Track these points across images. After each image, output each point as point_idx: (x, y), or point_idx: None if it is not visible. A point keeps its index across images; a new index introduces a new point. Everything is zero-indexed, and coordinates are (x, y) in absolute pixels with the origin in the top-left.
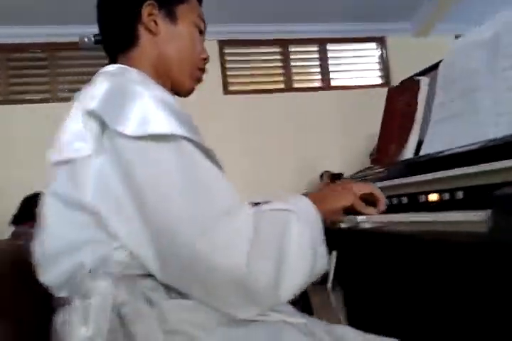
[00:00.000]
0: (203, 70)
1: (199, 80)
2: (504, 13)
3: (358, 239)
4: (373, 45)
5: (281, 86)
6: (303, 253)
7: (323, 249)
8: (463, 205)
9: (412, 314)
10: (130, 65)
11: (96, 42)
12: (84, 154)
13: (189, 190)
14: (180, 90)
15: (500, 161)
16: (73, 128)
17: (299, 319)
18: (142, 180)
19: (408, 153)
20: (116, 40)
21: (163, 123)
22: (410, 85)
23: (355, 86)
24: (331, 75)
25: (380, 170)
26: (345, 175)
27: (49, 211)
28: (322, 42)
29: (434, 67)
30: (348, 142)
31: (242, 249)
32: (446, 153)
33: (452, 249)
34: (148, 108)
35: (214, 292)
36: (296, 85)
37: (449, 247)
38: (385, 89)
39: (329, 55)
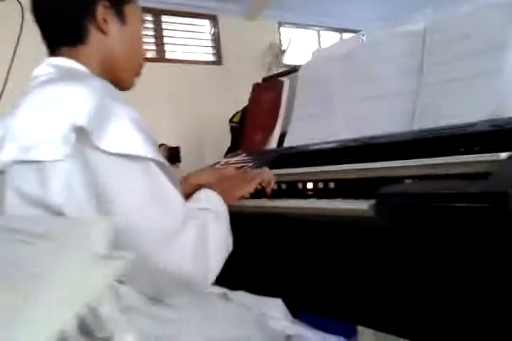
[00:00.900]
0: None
1: (139, 75)
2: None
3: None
4: (206, 22)
5: None
6: (220, 245)
7: (230, 235)
8: (335, 194)
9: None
10: (77, 61)
11: None
12: (55, 158)
13: (150, 204)
14: (123, 86)
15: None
16: (43, 131)
17: (219, 289)
18: (108, 191)
19: (273, 142)
20: (63, 34)
21: (137, 145)
22: (274, 84)
23: (189, 60)
24: (166, 47)
25: (255, 156)
26: (181, 149)
27: (9, 206)
28: (156, 13)
29: (295, 69)
30: (181, 116)
31: (190, 254)
32: (312, 148)
33: (336, 228)
34: (126, 129)
35: (158, 286)
36: None
37: (333, 226)
38: (218, 67)
39: (164, 26)
